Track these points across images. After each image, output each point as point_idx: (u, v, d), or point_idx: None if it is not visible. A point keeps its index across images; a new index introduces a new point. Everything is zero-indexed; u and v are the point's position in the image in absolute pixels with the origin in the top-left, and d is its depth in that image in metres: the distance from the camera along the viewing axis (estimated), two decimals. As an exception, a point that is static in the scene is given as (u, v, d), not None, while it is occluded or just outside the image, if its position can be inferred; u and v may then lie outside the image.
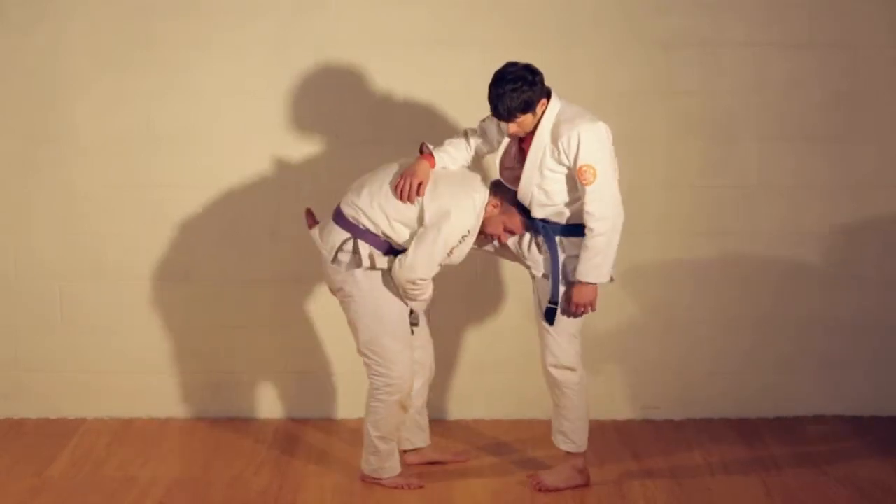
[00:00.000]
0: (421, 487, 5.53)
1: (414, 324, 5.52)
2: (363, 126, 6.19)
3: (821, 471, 5.70)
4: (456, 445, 6.03)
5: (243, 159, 6.25)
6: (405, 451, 5.75)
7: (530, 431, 6.17)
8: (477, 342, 6.35)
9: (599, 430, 6.06)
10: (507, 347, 6.32)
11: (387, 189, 5.35)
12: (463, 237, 5.32)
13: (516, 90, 5.14)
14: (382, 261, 5.35)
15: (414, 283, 5.29)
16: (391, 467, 5.55)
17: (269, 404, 6.39)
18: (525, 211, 5.39)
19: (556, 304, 5.34)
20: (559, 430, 5.51)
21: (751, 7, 6.18)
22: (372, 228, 5.34)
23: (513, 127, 5.23)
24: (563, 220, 5.35)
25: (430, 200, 5.30)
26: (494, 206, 5.38)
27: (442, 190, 5.33)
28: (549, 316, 5.36)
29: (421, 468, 5.75)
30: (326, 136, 6.22)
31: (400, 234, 5.35)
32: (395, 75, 6.14)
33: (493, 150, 5.54)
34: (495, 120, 5.34)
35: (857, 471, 5.70)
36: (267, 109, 6.19)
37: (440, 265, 5.34)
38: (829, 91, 6.23)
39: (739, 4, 6.18)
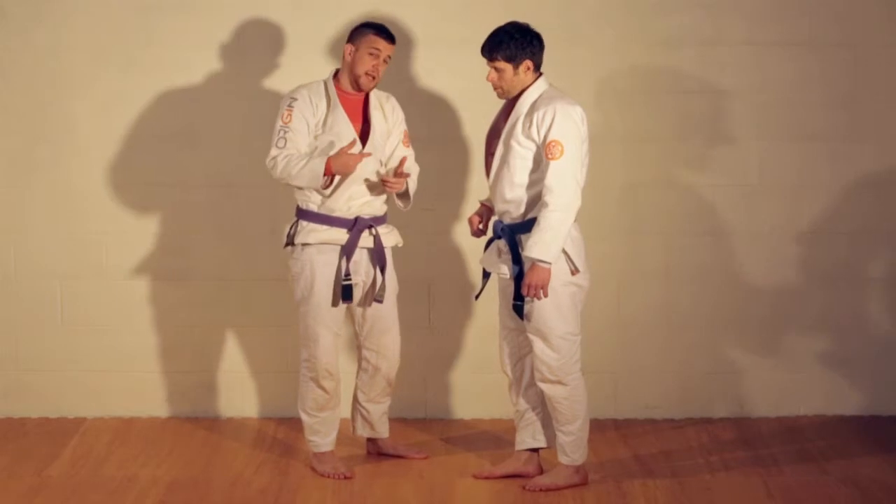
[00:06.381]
0: (348, 478, 5.59)
1: (378, 300, 5.65)
2: (363, 126, 6.20)
3: (821, 470, 5.70)
4: (457, 445, 6.03)
5: (243, 159, 6.25)
6: (367, 439, 5.90)
7: (530, 431, 6.16)
8: (477, 342, 6.35)
9: (599, 430, 6.06)
10: (508, 347, 6.32)
11: None
12: (291, 99, 5.53)
13: (510, 34, 5.29)
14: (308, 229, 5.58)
15: (269, 165, 5.54)
16: (315, 443, 5.69)
17: (269, 404, 6.40)
18: None
19: (522, 300, 5.35)
20: (558, 441, 5.51)
21: (751, 7, 6.19)
22: (301, 202, 5.59)
23: (491, 73, 5.33)
24: (520, 215, 5.35)
25: None
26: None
27: None
28: (519, 311, 5.38)
29: (397, 461, 5.83)
30: (327, 136, 6.22)
31: None
32: (395, 74, 6.14)
33: None
34: None
35: (858, 470, 5.69)
36: (267, 109, 6.19)
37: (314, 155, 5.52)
38: (830, 91, 6.23)
39: (740, 4, 6.19)
